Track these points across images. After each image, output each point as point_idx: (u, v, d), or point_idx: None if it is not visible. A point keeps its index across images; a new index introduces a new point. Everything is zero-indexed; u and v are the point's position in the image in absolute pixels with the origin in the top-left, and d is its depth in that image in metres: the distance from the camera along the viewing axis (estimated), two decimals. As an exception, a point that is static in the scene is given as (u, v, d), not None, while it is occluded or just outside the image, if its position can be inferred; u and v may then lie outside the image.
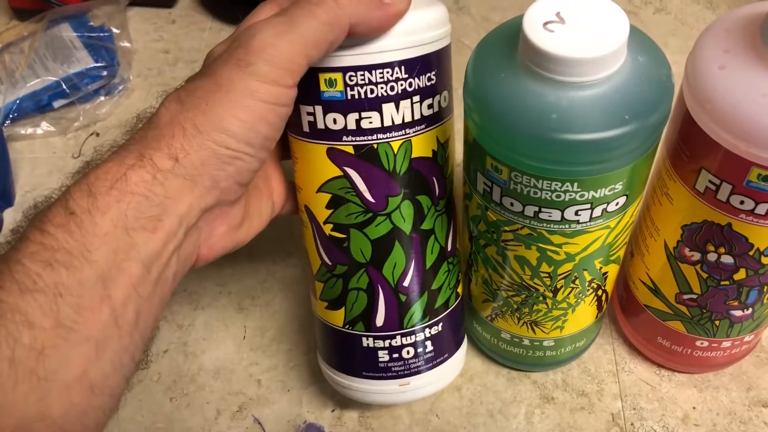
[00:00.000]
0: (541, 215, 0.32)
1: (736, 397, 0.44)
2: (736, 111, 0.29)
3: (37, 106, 0.60)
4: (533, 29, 0.28)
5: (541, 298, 0.38)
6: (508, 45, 0.30)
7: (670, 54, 0.32)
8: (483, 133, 0.31)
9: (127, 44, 0.65)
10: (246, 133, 0.28)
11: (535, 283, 0.37)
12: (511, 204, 0.32)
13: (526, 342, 0.42)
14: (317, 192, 0.35)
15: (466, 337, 0.42)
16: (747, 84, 0.29)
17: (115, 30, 0.65)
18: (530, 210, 0.32)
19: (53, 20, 0.64)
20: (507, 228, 0.34)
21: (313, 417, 0.44)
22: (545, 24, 0.28)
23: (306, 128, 0.33)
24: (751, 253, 0.34)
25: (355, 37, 0.30)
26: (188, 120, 0.27)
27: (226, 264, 0.52)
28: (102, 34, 0.64)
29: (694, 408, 0.43)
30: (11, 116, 0.59)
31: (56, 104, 0.61)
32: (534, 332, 0.41)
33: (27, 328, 0.24)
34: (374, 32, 0.30)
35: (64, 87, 0.60)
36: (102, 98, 0.62)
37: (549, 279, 0.36)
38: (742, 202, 0.31)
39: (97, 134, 0.60)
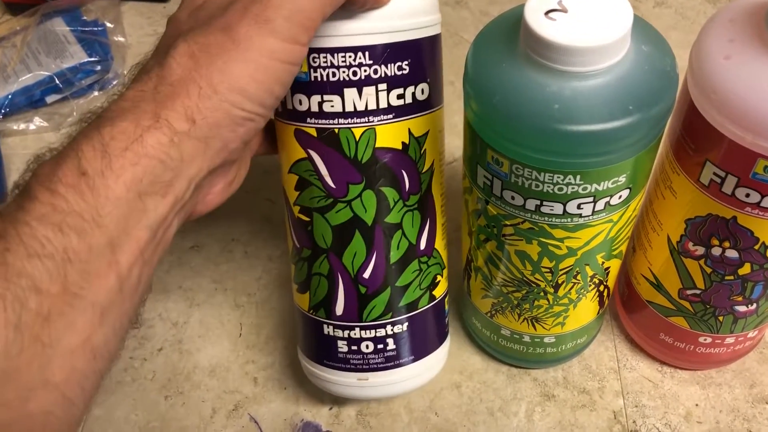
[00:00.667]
0: (543, 209, 0.31)
1: (740, 394, 0.43)
2: (742, 102, 0.28)
3: (30, 101, 0.59)
4: (535, 18, 0.28)
5: (542, 294, 0.37)
6: (509, 34, 0.30)
7: (672, 48, 0.31)
8: (483, 124, 0.30)
9: (121, 39, 0.64)
10: (262, 95, 0.28)
11: (536, 279, 0.36)
12: (512, 197, 0.32)
13: (527, 339, 0.41)
14: (288, 173, 0.35)
15: (445, 346, 0.40)
16: (753, 74, 0.28)
17: (108, 24, 0.64)
18: (532, 203, 0.31)
19: (46, 14, 0.63)
20: (508, 222, 0.33)
21: (311, 415, 0.44)
22: (547, 12, 0.28)
23: (280, 108, 0.34)
24: (756, 247, 0.33)
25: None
26: (203, 78, 0.26)
27: (222, 261, 0.51)
28: (95, 29, 0.63)
29: (696, 405, 0.43)
30: (3, 111, 0.58)
31: (49, 99, 0.60)
32: (535, 329, 0.40)
33: (34, 294, 0.24)
34: (366, 6, 0.30)
35: (57, 82, 0.60)
36: (96, 93, 0.61)
37: (550, 274, 0.35)
38: (747, 195, 0.31)
39: (91, 130, 0.60)
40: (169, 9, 0.69)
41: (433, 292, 0.38)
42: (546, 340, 0.41)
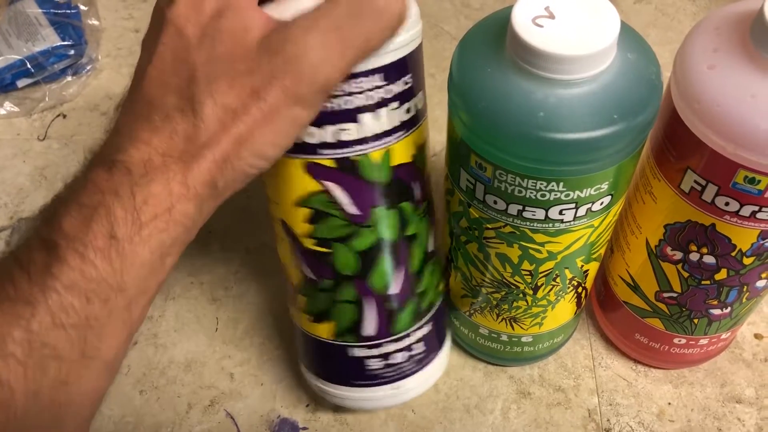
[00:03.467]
0: (525, 214, 0.31)
1: (711, 393, 0.44)
2: (725, 112, 0.29)
3: (0, 85, 0.58)
4: (522, 24, 0.27)
5: (521, 296, 0.37)
6: (495, 39, 0.29)
7: (651, 45, 0.31)
8: (468, 129, 0.30)
9: (95, 22, 0.63)
10: (276, 155, 0.28)
11: (515, 281, 0.36)
12: (495, 202, 0.32)
13: (504, 338, 0.41)
14: (295, 206, 0.33)
15: (448, 331, 0.42)
16: (736, 85, 0.29)
17: (82, 7, 0.62)
18: (514, 208, 0.31)
19: (17, -5, 0.61)
20: (489, 225, 0.33)
21: (287, 412, 0.43)
22: (534, 19, 0.28)
23: None
24: (733, 254, 0.33)
25: None
26: (230, 145, 0.26)
27: (198, 254, 0.50)
28: (69, 11, 0.61)
29: (669, 404, 0.44)
30: (-27, 96, 0.57)
31: (20, 83, 0.59)
32: (513, 328, 0.40)
33: (54, 361, 0.24)
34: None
35: (29, 66, 0.58)
36: (69, 78, 0.60)
37: (530, 277, 0.35)
38: (727, 204, 0.31)
39: (64, 116, 0.58)
40: (144, -8, 0.67)
41: (440, 288, 0.39)
42: (524, 339, 0.41)
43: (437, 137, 0.56)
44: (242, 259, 0.50)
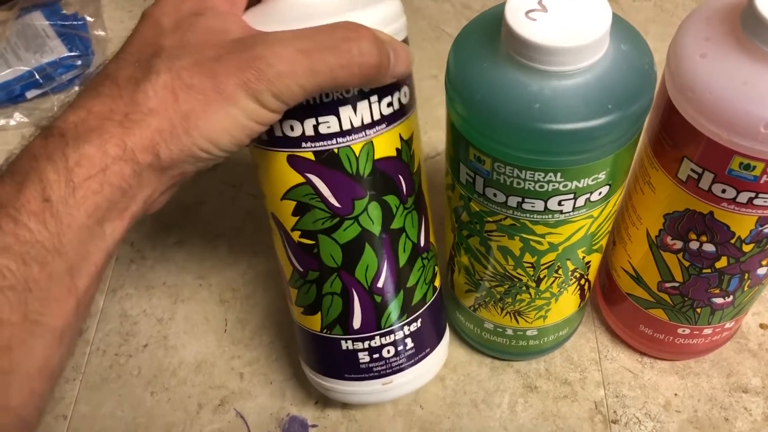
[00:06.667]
0: (525, 206, 0.32)
1: (717, 383, 0.44)
2: (718, 100, 0.29)
3: (10, 96, 0.59)
4: (515, 17, 0.28)
5: (524, 288, 0.37)
6: (490, 33, 0.30)
7: (651, 41, 0.31)
8: (465, 123, 0.31)
9: (101, 33, 0.64)
10: (230, 146, 0.28)
11: (518, 273, 0.36)
12: (494, 195, 0.32)
13: (510, 332, 0.42)
14: (282, 200, 0.34)
15: (447, 329, 0.42)
16: (728, 72, 0.29)
17: (89, 18, 0.64)
18: (513, 200, 0.32)
19: (25, 8, 0.62)
20: (490, 218, 0.34)
21: (296, 410, 0.44)
22: (528, 12, 0.28)
23: (264, 136, 0.32)
24: (732, 241, 0.34)
25: None
26: (179, 117, 0.26)
27: (206, 256, 0.51)
28: (75, 23, 0.63)
29: (675, 395, 0.44)
30: (-17, 107, 0.58)
31: (29, 94, 0.60)
32: (517, 322, 0.41)
33: None
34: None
35: (37, 77, 0.59)
36: (77, 88, 0.61)
37: (532, 269, 0.36)
38: (724, 191, 0.31)
39: (72, 125, 0.59)
40: (150, 1, 0.68)
41: (435, 284, 0.39)
42: (528, 333, 0.42)
43: (440, 136, 0.56)
44: (249, 261, 0.51)
